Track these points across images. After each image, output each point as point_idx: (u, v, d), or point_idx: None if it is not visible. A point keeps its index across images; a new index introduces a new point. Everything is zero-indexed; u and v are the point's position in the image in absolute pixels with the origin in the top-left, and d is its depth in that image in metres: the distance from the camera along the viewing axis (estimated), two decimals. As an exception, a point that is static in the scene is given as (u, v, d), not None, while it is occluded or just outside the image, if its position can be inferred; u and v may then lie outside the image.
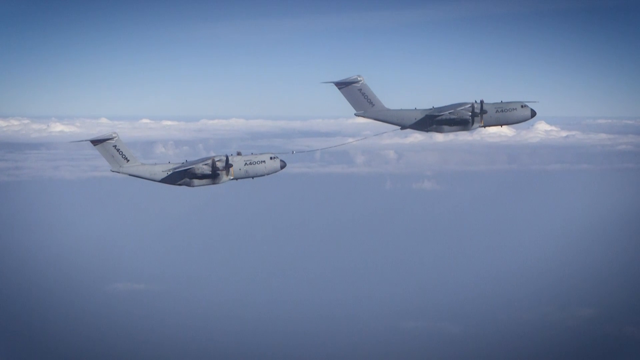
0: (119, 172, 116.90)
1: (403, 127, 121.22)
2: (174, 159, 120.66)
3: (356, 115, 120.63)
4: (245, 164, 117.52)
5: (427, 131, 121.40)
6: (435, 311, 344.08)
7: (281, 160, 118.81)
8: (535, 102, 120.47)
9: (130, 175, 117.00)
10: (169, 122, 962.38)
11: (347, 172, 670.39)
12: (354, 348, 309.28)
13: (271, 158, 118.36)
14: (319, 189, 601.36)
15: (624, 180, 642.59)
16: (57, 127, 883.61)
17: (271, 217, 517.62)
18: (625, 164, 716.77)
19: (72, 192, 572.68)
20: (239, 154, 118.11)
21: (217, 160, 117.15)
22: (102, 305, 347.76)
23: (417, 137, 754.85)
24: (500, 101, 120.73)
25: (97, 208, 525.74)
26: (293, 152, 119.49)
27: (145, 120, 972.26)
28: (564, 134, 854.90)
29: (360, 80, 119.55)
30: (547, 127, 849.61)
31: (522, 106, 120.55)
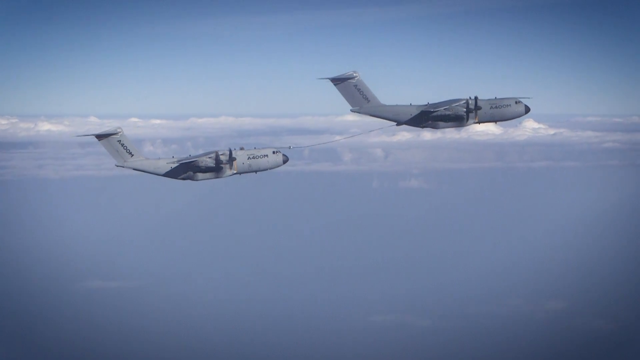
0: (123, 167, 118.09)
1: (399, 123, 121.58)
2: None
3: (352, 111, 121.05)
4: (249, 158, 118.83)
5: (422, 127, 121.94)
6: (404, 305, 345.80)
7: (283, 155, 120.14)
8: (528, 98, 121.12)
9: (134, 169, 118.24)
10: (157, 121, 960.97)
11: (334, 170, 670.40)
12: (327, 342, 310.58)
13: (274, 152, 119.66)
14: (305, 187, 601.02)
15: (607, 177, 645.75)
16: (45, 126, 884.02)
17: (255, 215, 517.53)
18: (610, 161, 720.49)
19: (55, 191, 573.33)
20: (241, 148, 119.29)
21: (221, 154, 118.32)
22: (74, 303, 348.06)
23: (404, 135, 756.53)
24: (494, 97, 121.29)
25: (79, 207, 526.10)
26: (290, 147, 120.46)
27: (133, 119, 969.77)
28: (551, 131, 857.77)
29: (356, 76, 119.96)
30: (535, 125, 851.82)
31: (516, 102, 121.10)
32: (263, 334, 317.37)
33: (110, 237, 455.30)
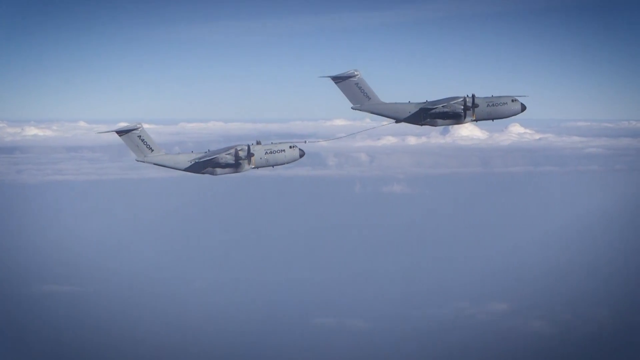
0: (143, 162, 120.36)
1: (398, 120, 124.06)
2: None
3: (353, 109, 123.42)
4: (266, 152, 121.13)
5: (421, 124, 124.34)
6: (345, 308, 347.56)
7: (300, 149, 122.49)
8: (524, 96, 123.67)
9: (155, 164, 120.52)
10: (146, 125, 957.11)
11: (316, 174, 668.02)
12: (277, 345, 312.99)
13: (290, 147, 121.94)
14: (286, 191, 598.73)
15: (585, 183, 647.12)
16: (31, 131, 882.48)
17: (235, 220, 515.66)
18: (590, 166, 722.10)
19: (31, 196, 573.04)
20: (258, 143, 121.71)
21: (240, 150, 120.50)
22: (40, 308, 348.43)
23: (389, 139, 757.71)
24: (491, 95, 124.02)
25: (54, 212, 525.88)
26: (306, 141, 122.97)
27: (123, 124, 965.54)
28: (537, 136, 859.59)
29: (357, 75, 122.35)
30: (521, 130, 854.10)
31: (512, 100, 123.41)
32: (225, 335, 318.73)
33: (89, 242, 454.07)
